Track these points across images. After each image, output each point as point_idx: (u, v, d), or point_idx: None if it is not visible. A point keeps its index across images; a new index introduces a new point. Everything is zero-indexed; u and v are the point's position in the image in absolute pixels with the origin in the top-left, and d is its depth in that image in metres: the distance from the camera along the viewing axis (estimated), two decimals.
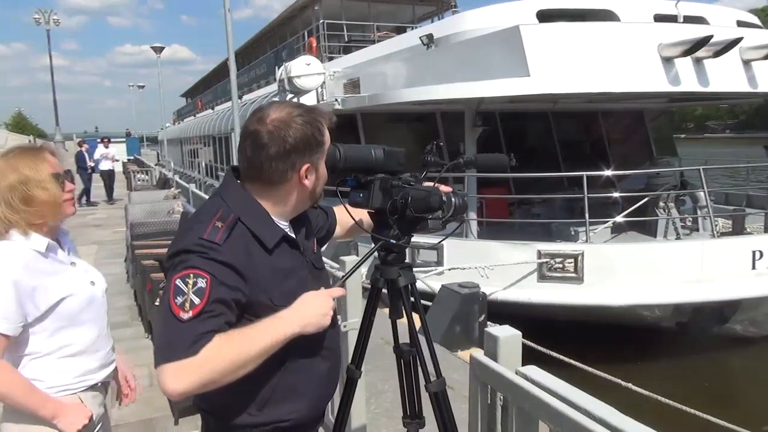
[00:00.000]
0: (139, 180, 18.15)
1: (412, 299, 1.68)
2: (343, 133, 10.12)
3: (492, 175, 9.61)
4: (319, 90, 11.31)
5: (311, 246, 1.62)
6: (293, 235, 1.51)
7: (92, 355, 1.91)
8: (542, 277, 6.92)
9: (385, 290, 1.68)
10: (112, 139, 18.64)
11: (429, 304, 6.11)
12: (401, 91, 8.43)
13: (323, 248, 1.89)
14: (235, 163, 1.49)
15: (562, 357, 4.87)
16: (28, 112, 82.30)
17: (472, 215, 7.99)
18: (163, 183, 16.29)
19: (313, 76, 11.21)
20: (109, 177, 17.12)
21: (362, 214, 1.76)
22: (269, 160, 1.39)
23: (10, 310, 1.70)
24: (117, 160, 19.38)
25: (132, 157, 33.41)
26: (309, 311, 1.38)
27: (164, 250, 1.52)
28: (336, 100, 9.69)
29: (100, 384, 1.95)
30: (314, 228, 1.73)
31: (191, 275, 1.28)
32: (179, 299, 1.26)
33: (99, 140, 18.82)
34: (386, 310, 1.75)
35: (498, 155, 1.90)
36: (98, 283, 1.98)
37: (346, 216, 1.75)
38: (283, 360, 1.42)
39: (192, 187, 15.37)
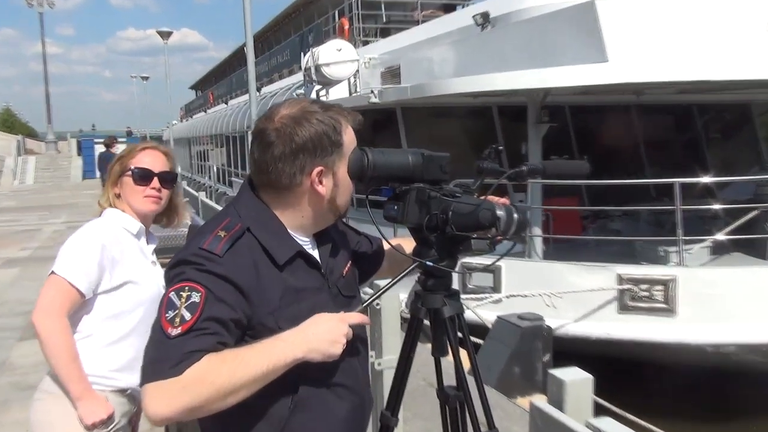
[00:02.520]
0: None
1: (459, 333, 1.68)
2: (380, 131, 10.19)
3: (561, 182, 9.52)
4: (352, 80, 11.43)
5: (340, 268, 1.64)
6: (314, 253, 1.55)
7: (130, 349, 2.17)
8: (624, 308, 6.78)
9: (427, 322, 1.69)
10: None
11: (480, 342, 6.07)
12: (450, 81, 8.44)
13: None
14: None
15: (646, 425, 4.76)
16: (17, 108, 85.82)
17: (537, 231, 7.92)
18: None
19: (345, 64, 11.35)
20: None
21: (411, 243, 1.73)
22: (274, 161, 1.45)
23: (92, 269, 2.11)
24: None
25: None
26: (316, 335, 1.40)
27: None
28: (372, 92, 9.77)
29: (129, 391, 2.23)
30: (350, 250, 1.75)
31: (186, 288, 1.35)
32: (170, 314, 1.34)
33: (102, 141, 19.51)
34: (429, 346, 1.75)
35: (574, 161, 1.88)
36: None
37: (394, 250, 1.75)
38: (291, 396, 1.46)
39: (201, 195, 15.73)
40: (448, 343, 1.67)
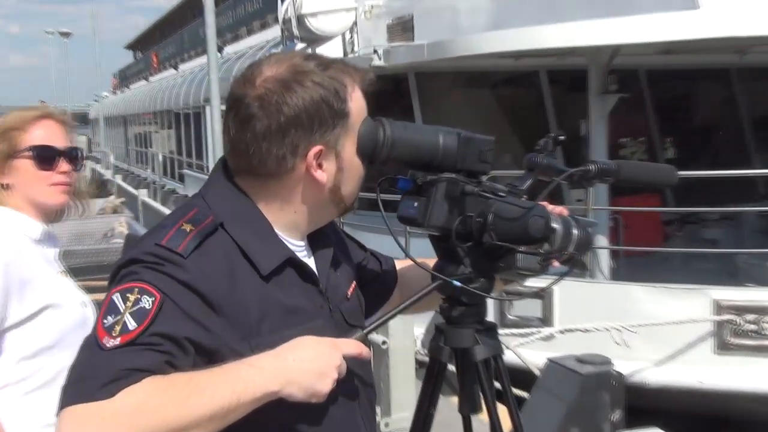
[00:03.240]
0: None
1: (496, 382, 1.68)
2: (387, 106, 10.20)
3: None
4: (348, 36, 11.46)
5: (344, 286, 1.65)
6: (309, 262, 1.56)
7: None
8: (722, 347, 6.79)
9: (452, 367, 1.69)
10: None
11: (526, 394, 6.06)
12: (482, 37, 8.46)
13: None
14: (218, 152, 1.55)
15: None
16: None
17: (602, 241, 7.91)
18: (98, 187, 16.76)
19: (338, 14, 11.37)
20: None
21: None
22: (257, 140, 1.44)
23: None
24: None
25: None
26: (297, 363, 1.37)
27: (101, 296, 1.57)
28: (375, 52, 9.80)
29: None
30: (354, 265, 1.77)
31: (135, 290, 1.34)
32: (109, 320, 1.33)
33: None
34: (454, 400, 1.75)
35: (659, 166, 1.90)
36: (90, 307, 2.29)
37: (412, 271, 1.75)
38: None
39: (142, 193, 15.77)
40: (481, 395, 1.67)
